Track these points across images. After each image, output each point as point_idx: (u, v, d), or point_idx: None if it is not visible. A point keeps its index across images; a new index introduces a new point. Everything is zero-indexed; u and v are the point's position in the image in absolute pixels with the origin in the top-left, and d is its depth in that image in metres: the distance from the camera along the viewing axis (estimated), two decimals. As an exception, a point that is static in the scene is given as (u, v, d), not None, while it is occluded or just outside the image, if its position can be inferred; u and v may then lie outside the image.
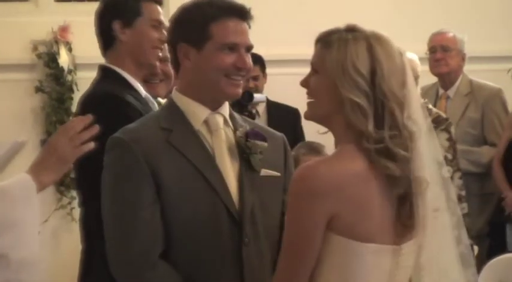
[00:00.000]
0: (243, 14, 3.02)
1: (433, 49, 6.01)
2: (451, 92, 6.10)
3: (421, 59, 5.41)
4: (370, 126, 2.62)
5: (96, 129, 2.95)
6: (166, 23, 3.35)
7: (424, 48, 5.90)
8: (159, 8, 3.90)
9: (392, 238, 2.68)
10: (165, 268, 2.90)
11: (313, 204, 2.61)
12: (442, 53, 6.00)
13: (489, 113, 6.06)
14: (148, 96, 3.84)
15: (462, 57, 6.09)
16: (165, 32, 3.62)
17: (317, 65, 2.71)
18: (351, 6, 5.97)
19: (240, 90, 3.07)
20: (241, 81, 3.05)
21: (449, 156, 4.79)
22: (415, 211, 2.68)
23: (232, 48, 2.99)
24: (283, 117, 6.04)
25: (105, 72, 3.85)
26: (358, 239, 2.62)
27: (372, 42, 2.66)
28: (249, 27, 3.06)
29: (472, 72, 6.22)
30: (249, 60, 3.03)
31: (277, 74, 5.91)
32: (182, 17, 3.08)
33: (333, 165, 2.66)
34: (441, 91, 6.12)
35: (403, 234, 2.69)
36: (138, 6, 3.84)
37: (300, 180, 2.63)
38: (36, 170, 2.87)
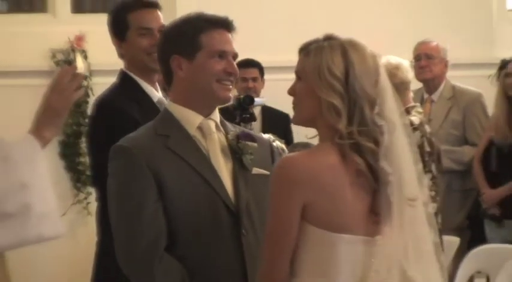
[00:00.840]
0: (228, 25, 3.03)
1: (418, 57, 6.04)
2: (435, 96, 6.14)
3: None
4: (342, 124, 2.62)
5: (81, 77, 2.93)
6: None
7: (410, 56, 5.88)
8: (148, 13, 3.81)
9: (365, 229, 2.66)
10: (170, 261, 2.89)
11: (290, 190, 2.61)
12: (427, 61, 6.04)
13: (470, 116, 6.09)
14: (163, 99, 3.75)
15: (445, 64, 6.13)
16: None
17: (299, 72, 2.72)
18: (342, 17, 5.99)
19: (231, 95, 3.06)
20: (231, 86, 3.04)
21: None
22: (387, 202, 2.66)
23: (222, 55, 3.00)
24: (275, 121, 6.06)
25: (122, 77, 3.83)
26: (332, 230, 2.62)
27: (346, 47, 2.67)
28: (232, 37, 3.06)
29: (455, 78, 6.24)
30: (235, 66, 3.04)
31: (271, 79, 5.95)
32: (173, 32, 3.11)
33: (309, 157, 2.67)
34: (426, 95, 6.16)
35: (377, 225, 2.67)
36: (127, 18, 3.81)
37: (279, 169, 2.66)
38: (37, 128, 2.81)
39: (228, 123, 3.14)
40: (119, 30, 3.81)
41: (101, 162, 3.72)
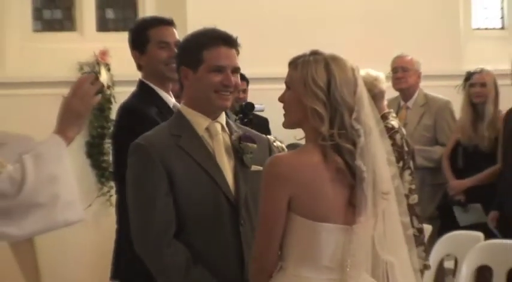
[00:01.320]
0: (230, 42, 3.00)
1: (395, 70, 6.03)
2: (410, 104, 6.13)
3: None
4: (325, 128, 2.62)
5: (99, 83, 2.87)
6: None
7: (386, 69, 5.88)
8: (166, 29, 3.79)
9: (344, 219, 2.67)
10: (178, 246, 2.88)
11: (277, 185, 2.63)
12: (402, 73, 6.03)
13: (440, 120, 6.09)
14: (177, 104, 3.68)
15: (418, 76, 6.12)
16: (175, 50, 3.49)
17: (288, 82, 2.73)
18: (326, 34, 5.95)
19: (228, 103, 3.03)
20: (229, 96, 3.01)
21: (392, 159, 4.79)
22: (362, 196, 2.67)
23: (220, 70, 2.97)
24: (258, 123, 5.89)
25: (140, 85, 3.80)
26: (315, 219, 2.63)
27: (328, 61, 2.67)
28: (237, 51, 3.04)
29: (427, 87, 6.23)
30: (235, 78, 3.01)
31: (261, 89, 5.92)
32: (183, 45, 3.13)
33: (295, 157, 2.69)
34: (402, 103, 6.14)
35: (354, 215, 2.68)
36: (147, 33, 3.77)
37: (268, 166, 2.68)
38: (61, 129, 2.78)
39: (232, 125, 3.11)
40: (140, 44, 3.78)
41: (121, 160, 3.74)
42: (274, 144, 3.60)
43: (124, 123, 3.86)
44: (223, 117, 3.07)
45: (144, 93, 3.75)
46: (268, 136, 3.58)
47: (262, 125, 5.95)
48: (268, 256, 2.72)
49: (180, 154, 2.94)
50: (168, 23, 3.82)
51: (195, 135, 2.99)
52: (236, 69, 3.03)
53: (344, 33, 6.20)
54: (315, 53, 2.73)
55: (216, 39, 3.01)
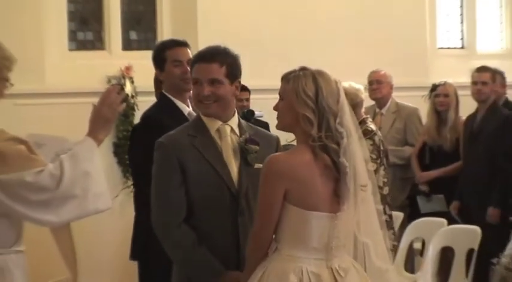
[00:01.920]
0: (206, 59, 2.94)
1: (371, 82, 6.03)
2: (384, 110, 6.12)
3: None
4: (314, 131, 2.63)
5: (123, 94, 2.90)
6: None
7: (365, 81, 5.89)
8: (180, 50, 3.76)
9: (330, 207, 2.68)
10: (186, 228, 2.89)
11: (275, 180, 2.64)
12: (377, 85, 6.04)
13: (409, 124, 6.08)
14: (192, 112, 3.67)
15: (391, 87, 6.12)
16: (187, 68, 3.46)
17: (282, 94, 2.74)
18: (314, 53, 5.93)
19: (208, 111, 2.96)
20: (208, 104, 2.94)
21: (373, 156, 4.78)
22: (345, 187, 2.67)
23: (194, 82, 2.97)
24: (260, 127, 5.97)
25: (161, 97, 3.79)
26: (306, 208, 2.65)
27: (315, 75, 2.68)
28: (219, 64, 2.92)
29: (398, 97, 6.22)
30: (207, 89, 2.91)
31: (262, 98, 5.81)
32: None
33: (289, 156, 2.70)
34: (377, 110, 6.13)
35: (338, 204, 2.69)
36: (165, 54, 3.76)
37: (267, 164, 2.68)
38: (92, 132, 2.81)
39: (244, 125, 3.06)
40: (159, 63, 3.79)
41: (137, 158, 3.75)
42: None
43: (137, 127, 3.91)
44: (234, 121, 3.02)
45: (163, 103, 3.76)
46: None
47: (264, 129, 5.91)
48: (265, 237, 2.72)
49: (193, 152, 2.92)
50: (181, 44, 3.81)
51: (208, 136, 2.97)
52: (211, 81, 2.93)
53: (330, 52, 6.18)
54: (303, 69, 2.73)
55: (195, 57, 3.04)
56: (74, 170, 2.71)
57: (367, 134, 4.80)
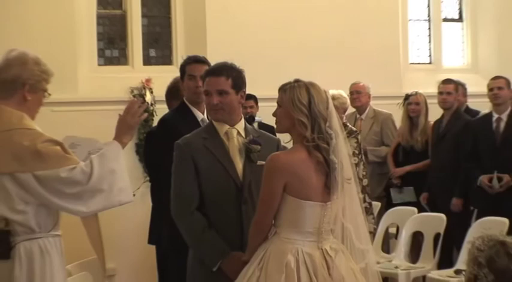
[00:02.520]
0: (215, 73, 2.96)
1: (351, 93, 5.98)
2: (363, 116, 6.07)
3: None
4: (308, 133, 2.65)
5: (144, 106, 2.92)
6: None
7: (347, 92, 5.80)
8: (194, 66, 3.74)
9: (321, 197, 2.68)
10: (198, 215, 2.90)
11: (276, 175, 2.64)
12: (357, 95, 6.00)
13: (385, 128, 6.05)
14: (205, 118, 3.63)
15: (369, 96, 6.09)
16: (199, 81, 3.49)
17: (279, 102, 2.75)
18: (305, 67, 5.80)
19: (217, 116, 2.98)
20: (217, 111, 2.95)
21: (356, 152, 4.78)
22: (334, 181, 2.67)
23: (205, 93, 2.97)
24: (266, 131, 5.91)
25: (180, 104, 3.81)
26: (301, 198, 2.65)
27: (308, 86, 2.70)
28: (226, 78, 2.92)
29: (376, 105, 6.19)
30: (218, 100, 2.92)
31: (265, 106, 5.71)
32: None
33: (288, 154, 2.71)
34: (358, 116, 6.08)
35: (328, 195, 2.69)
36: (185, 69, 3.78)
37: (269, 161, 2.68)
38: (118, 136, 2.84)
39: (250, 128, 3.06)
40: (181, 75, 3.80)
41: (153, 156, 3.73)
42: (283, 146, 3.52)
43: (153, 130, 3.90)
44: (240, 125, 3.01)
45: (180, 109, 3.77)
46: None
47: (271, 131, 5.89)
48: (266, 223, 2.72)
49: (205, 151, 2.93)
50: (198, 61, 3.80)
51: (217, 138, 2.97)
52: (219, 92, 2.93)
53: (318, 66, 6.09)
54: (298, 81, 2.74)
55: (206, 72, 3.04)
56: (102, 167, 2.72)
57: (352, 133, 4.87)
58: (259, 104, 5.87)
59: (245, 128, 3.02)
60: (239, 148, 2.96)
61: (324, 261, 2.65)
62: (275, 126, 2.81)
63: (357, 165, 4.60)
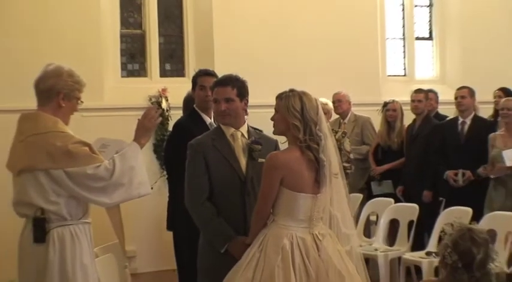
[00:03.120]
0: (222, 84, 2.95)
1: (334, 102, 5.93)
2: (346, 121, 6.01)
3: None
4: (301, 135, 2.64)
5: (159, 111, 2.92)
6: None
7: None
8: (205, 78, 3.74)
9: (312, 190, 2.67)
10: (208, 204, 2.88)
11: (274, 171, 2.63)
12: (338, 103, 5.94)
13: (365, 129, 6.02)
14: (213, 123, 3.61)
15: (349, 104, 6.03)
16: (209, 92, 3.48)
17: (277, 108, 2.74)
18: (295, 79, 5.53)
19: (224, 121, 2.95)
20: (224, 116, 2.94)
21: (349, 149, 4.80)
22: (323, 176, 2.66)
23: (214, 101, 2.97)
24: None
25: (192, 110, 3.81)
26: (295, 191, 2.65)
27: (301, 95, 2.69)
28: (232, 87, 2.91)
29: (359, 111, 6.16)
30: (225, 107, 2.90)
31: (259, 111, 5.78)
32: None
33: (284, 153, 2.70)
34: (341, 120, 6.00)
35: (319, 188, 2.68)
36: (196, 80, 3.80)
37: (268, 160, 2.67)
38: (137, 138, 2.81)
39: (252, 132, 3.01)
40: (193, 85, 3.82)
41: (169, 155, 3.73)
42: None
43: (173, 135, 3.91)
44: (244, 128, 2.99)
45: (192, 115, 3.78)
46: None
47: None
48: (265, 211, 2.71)
49: (214, 150, 2.92)
50: (207, 73, 3.82)
51: (224, 139, 2.96)
52: (226, 100, 2.92)
53: (309, 78, 6.02)
54: (292, 91, 2.73)
55: (215, 83, 3.02)
56: (123, 165, 2.71)
57: (346, 134, 4.88)
58: (258, 110, 5.87)
59: (248, 131, 3.00)
60: (243, 148, 2.94)
61: (314, 244, 2.64)
62: (272, 129, 2.79)
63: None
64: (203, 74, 3.81)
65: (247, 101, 3.01)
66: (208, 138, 2.96)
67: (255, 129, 3.05)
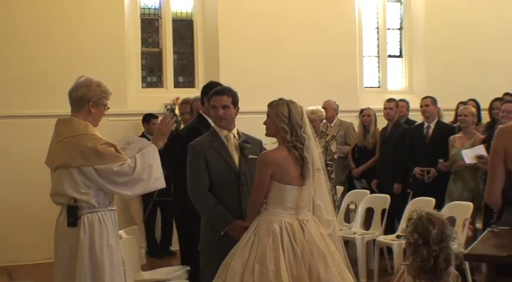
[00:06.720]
0: (220, 93, 2.94)
1: (324, 109, 5.83)
2: (332, 125, 6.01)
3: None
4: (288, 137, 2.64)
5: (174, 119, 2.88)
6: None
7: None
8: (215, 98, 3.65)
9: (298, 183, 2.66)
10: (209, 195, 2.86)
11: (265, 167, 2.63)
12: (325, 109, 5.89)
13: (348, 132, 6.03)
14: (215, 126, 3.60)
15: (335, 110, 6.04)
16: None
17: (268, 114, 2.73)
18: (286, 90, 5.46)
19: (221, 124, 2.92)
20: (221, 120, 2.91)
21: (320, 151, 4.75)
22: (307, 171, 2.66)
23: (213, 107, 2.95)
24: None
25: (199, 115, 3.76)
26: (284, 183, 2.65)
27: (288, 103, 2.69)
28: (228, 96, 2.90)
29: (342, 116, 6.17)
30: (222, 112, 2.88)
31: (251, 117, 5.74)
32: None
33: (274, 152, 2.70)
34: (328, 124, 5.97)
35: (304, 181, 2.67)
36: (208, 97, 3.66)
37: (260, 157, 2.68)
38: (154, 140, 2.80)
39: (241, 133, 2.99)
40: (202, 98, 3.69)
41: (175, 156, 3.66)
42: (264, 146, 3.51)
43: (183, 134, 3.83)
44: (235, 130, 2.99)
45: (202, 120, 3.71)
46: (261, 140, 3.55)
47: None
48: (259, 201, 2.70)
49: (211, 149, 2.91)
50: (216, 93, 3.57)
51: (219, 139, 2.95)
52: (224, 107, 2.90)
53: (298, 88, 6.05)
54: (281, 99, 2.73)
55: (213, 92, 2.99)
56: (143, 163, 2.71)
57: (334, 137, 4.90)
58: (253, 115, 5.86)
59: (238, 132, 3.00)
60: (235, 146, 2.93)
61: (300, 229, 2.64)
62: (265, 132, 2.78)
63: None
64: (214, 94, 3.69)
65: (239, 108, 3.01)
66: (206, 139, 2.94)
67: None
